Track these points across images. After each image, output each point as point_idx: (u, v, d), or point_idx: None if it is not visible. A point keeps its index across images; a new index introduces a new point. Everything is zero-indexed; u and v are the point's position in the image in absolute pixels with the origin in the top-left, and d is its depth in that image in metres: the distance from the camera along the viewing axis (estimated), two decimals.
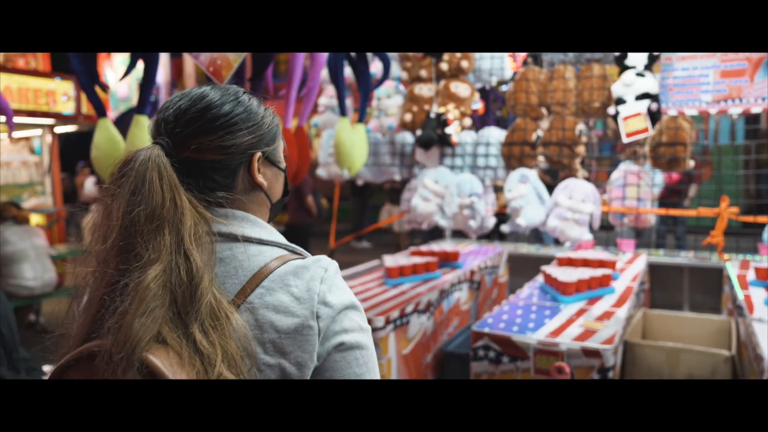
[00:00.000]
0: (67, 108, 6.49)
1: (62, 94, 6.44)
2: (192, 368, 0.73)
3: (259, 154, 0.93)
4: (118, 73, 8.91)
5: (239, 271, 0.85)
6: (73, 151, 8.41)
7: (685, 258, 4.02)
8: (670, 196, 5.53)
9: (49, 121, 6.54)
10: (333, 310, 0.84)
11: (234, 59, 1.99)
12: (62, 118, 6.51)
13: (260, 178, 0.93)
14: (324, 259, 0.89)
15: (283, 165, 0.99)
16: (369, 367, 0.87)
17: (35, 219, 6.61)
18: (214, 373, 0.74)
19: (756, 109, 3.00)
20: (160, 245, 0.78)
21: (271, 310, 0.82)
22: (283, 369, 0.81)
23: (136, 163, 0.82)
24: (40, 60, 7.06)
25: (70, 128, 7.25)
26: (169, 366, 0.72)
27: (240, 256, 0.86)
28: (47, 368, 2.31)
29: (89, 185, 9.70)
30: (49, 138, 7.01)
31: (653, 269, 3.98)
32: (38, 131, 6.99)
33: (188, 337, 0.75)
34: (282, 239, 0.93)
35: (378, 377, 0.89)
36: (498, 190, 4.13)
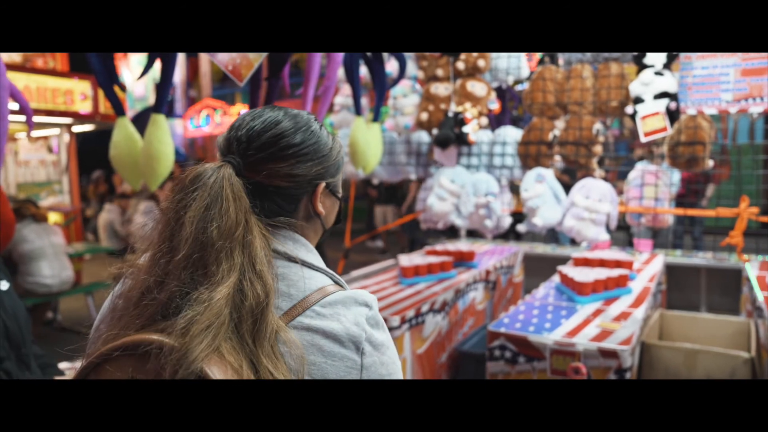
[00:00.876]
0: (85, 107, 6.56)
1: (80, 93, 6.51)
2: None
3: (323, 184, 0.95)
4: (134, 72, 9.01)
5: (291, 290, 0.87)
6: (90, 150, 8.50)
7: (702, 259, 3.98)
8: (687, 196, 5.48)
9: (67, 120, 6.62)
10: (377, 348, 0.87)
11: (254, 59, 2.00)
12: (80, 117, 6.58)
13: (320, 208, 0.96)
14: (368, 296, 0.91)
15: (340, 194, 1.02)
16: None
17: (53, 217, 6.69)
18: None
19: None
20: (232, 264, 0.80)
21: (320, 334, 0.84)
22: None
23: (210, 179, 0.84)
24: (59, 60, 7.15)
25: (88, 127, 7.33)
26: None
27: (294, 276, 0.88)
28: (64, 365, 2.33)
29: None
30: (66, 137, 7.09)
31: (670, 270, 3.94)
32: (56, 130, 7.07)
33: (248, 357, 0.77)
34: (327, 269, 0.95)
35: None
36: (514, 189, 4.10)
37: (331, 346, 0.83)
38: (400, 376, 0.92)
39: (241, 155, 0.90)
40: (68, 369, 2.35)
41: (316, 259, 0.94)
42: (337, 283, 0.93)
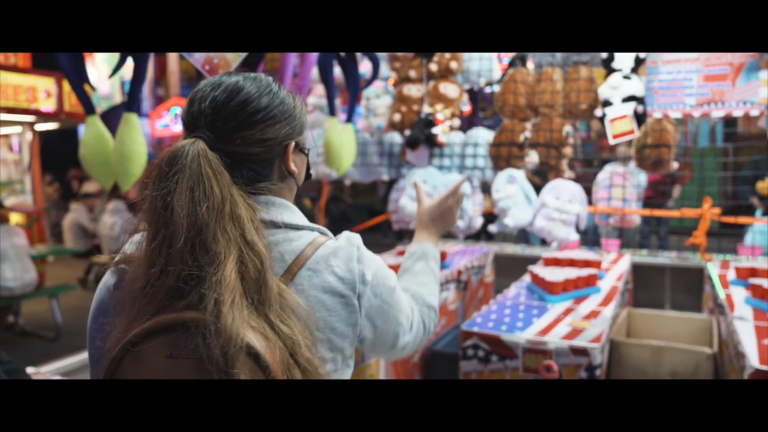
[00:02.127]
0: (48, 105, 6.39)
1: (43, 90, 6.34)
2: (279, 350, 0.78)
3: (293, 143, 0.97)
4: (100, 70, 8.81)
5: (285, 255, 0.91)
6: (54, 150, 8.28)
7: (667, 258, 4.09)
8: (654, 197, 5.62)
9: (30, 118, 6.43)
10: (370, 285, 0.95)
11: (233, 59, 1.98)
12: (43, 115, 6.40)
13: (293, 167, 0.98)
14: (353, 237, 0.96)
15: (308, 150, 1.04)
16: (399, 308, 1.04)
17: (15, 218, 6.50)
18: (303, 358, 0.80)
19: (737, 113, 3.07)
20: (228, 239, 0.82)
21: (320, 290, 0.90)
22: (332, 341, 0.91)
23: (187, 159, 0.84)
24: (20, 56, 6.94)
25: (52, 126, 7.14)
26: (262, 348, 0.76)
27: (283, 241, 0.92)
28: (31, 370, 2.27)
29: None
30: (29, 135, 6.89)
31: (636, 269, 4.04)
32: (18, 128, 6.87)
33: (268, 323, 0.80)
34: (310, 223, 0.99)
35: (400, 303, 1.05)
36: (486, 190, 4.15)
37: (331, 299, 0.90)
38: (393, 295, 1.01)
39: (209, 128, 0.90)
40: (35, 374, 2.29)
41: (298, 217, 0.97)
42: (323, 234, 0.97)
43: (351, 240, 0.95)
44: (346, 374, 0.97)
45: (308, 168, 1.07)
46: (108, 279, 0.92)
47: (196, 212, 0.81)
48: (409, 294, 1.18)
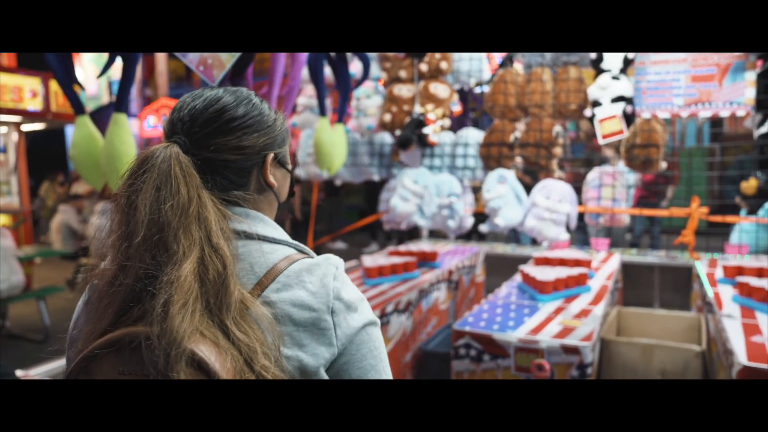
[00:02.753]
0: (35, 105, 6.32)
1: (29, 90, 6.27)
2: (230, 359, 0.76)
3: (271, 155, 0.96)
4: (87, 70, 8.74)
5: (255, 267, 0.88)
6: (40, 150, 8.19)
7: (656, 257, 4.12)
8: (648, 197, 5.66)
9: (16, 118, 6.36)
10: (346, 305, 0.88)
11: (227, 59, 1.97)
12: (29, 115, 6.33)
13: (272, 179, 0.97)
14: (333, 258, 0.92)
15: (290, 166, 1.03)
16: (381, 358, 0.92)
17: (1, 220, 6.43)
18: (258, 365, 0.77)
19: (724, 113, 3.10)
20: (191, 240, 0.80)
21: (288, 304, 0.85)
22: (301, 360, 0.84)
23: (158, 159, 0.83)
24: (5, 55, 6.86)
25: (38, 126, 7.06)
26: (211, 356, 0.74)
27: (255, 253, 0.89)
28: (20, 373, 2.25)
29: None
30: (15, 136, 6.82)
31: (625, 268, 4.07)
32: (3, 129, 6.79)
33: (223, 329, 0.78)
34: (290, 239, 0.96)
35: (387, 364, 0.94)
36: (476, 191, 4.17)
37: (301, 313, 0.85)
38: (380, 337, 0.93)
39: (186, 134, 0.90)
40: (23, 377, 2.27)
41: (276, 232, 0.95)
42: (301, 251, 0.94)
43: (330, 260, 0.91)
44: None
45: (292, 185, 1.05)
46: (86, 291, 0.92)
47: (159, 210, 0.80)
48: None
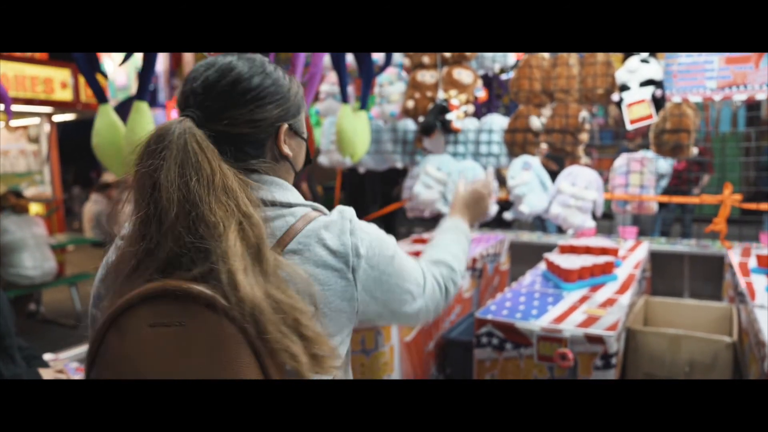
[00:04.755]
0: (65, 96, 6.44)
1: (59, 81, 6.39)
2: (281, 323, 0.78)
3: (285, 126, 0.96)
4: (115, 61, 8.86)
5: (275, 231, 0.89)
6: (71, 140, 8.36)
7: (685, 246, 4.02)
8: (679, 185, 5.51)
9: (47, 109, 6.50)
10: (365, 259, 0.93)
11: None
12: (60, 106, 6.46)
13: (286, 149, 0.97)
14: (346, 210, 0.95)
15: (305, 134, 1.02)
16: (403, 276, 1.01)
17: (34, 208, 6.59)
18: (309, 329, 0.80)
19: (760, 96, 2.98)
20: (225, 210, 0.81)
21: (311, 264, 0.88)
22: (329, 316, 0.89)
23: (173, 136, 0.83)
24: None
25: (69, 116, 7.20)
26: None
27: (274, 217, 0.90)
28: (49, 356, 2.30)
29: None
30: (47, 126, 6.96)
31: (654, 257, 3.98)
32: (36, 120, 6.94)
33: (262, 290, 0.79)
34: (305, 200, 0.97)
35: (409, 271, 1.03)
36: (501, 181, 4.10)
37: (324, 273, 0.88)
38: (394, 263, 0.99)
39: (199, 107, 0.89)
40: (53, 360, 2.32)
41: (293, 195, 0.95)
42: (315, 209, 0.96)
43: (343, 213, 0.94)
44: (345, 350, 0.97)
45: (308, 153, 1.05)
46: (107, 259, 0.92)
47: (187, 186, 0.80)
48: (425, 258, 1.19)
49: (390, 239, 1.02)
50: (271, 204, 0.91)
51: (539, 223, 5.88)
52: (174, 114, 8.74)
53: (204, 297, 0.74)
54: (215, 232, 0.78)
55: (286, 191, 0.95)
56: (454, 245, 1.28)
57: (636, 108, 3.04)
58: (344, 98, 3.17)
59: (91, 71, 2.35)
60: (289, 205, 0.93)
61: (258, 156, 0.94)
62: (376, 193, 6.53)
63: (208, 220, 0.79)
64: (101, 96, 2.40)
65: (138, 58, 2.48)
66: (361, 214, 1.01)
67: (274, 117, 0.93)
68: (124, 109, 2.52)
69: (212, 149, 0.85)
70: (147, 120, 2.34)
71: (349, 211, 0.95)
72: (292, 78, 1.00)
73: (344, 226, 0.92)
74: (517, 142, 3.47)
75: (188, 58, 10.74)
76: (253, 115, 0.91)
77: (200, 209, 0.79)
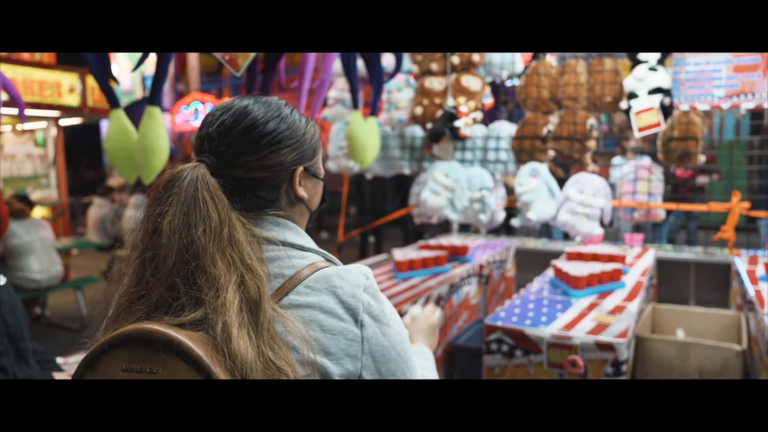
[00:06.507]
0: (72, 100, 6.47)
1: (67, 86, 6.42)
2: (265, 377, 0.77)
3: (301, 169, 0.94)
4: (121, 65, 8.90)
5: (284, 271, 0.87)
6: (77, 144, 8.39)
7: (691, 253, 4.02)
8: (684, 192, 5.51)
9: (55, 113, 6.52)
10: (378, 322, 0.88)
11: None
12: (67, 110, 6.49)
13: (302, 192, 0.95)
14: (363, 267, 0.91)
15: (322, 175, 1.01)
16: (409, 368, 0.92)
17: (40, 212, 6.60)
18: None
19: None
20: (228, 263, 0.80)
21: (316, 309, 0.85)
22: (326, 368, 0.83)
23: (184, 182, 0.83)
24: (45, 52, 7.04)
25: (75, 121, 7.23)
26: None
27: (284, 257, 0.89)
28: (60, 360, 2.30)
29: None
30: (53, 130, 6.99)
31: (660, 264, 3.98)
32: (43, 124, 6.97)
33: (254, 348, 0.78)
34: (318, 248, 0.95)
35: (414, 370, 0.94)
36: (509, 191, 4.11)
37: (329, 320, 0.84)
38: (405, 346, 0.92)
39: (213, 152, 0.88)
40: (64, 364, 2.33)
41: (306, 241, 0.94)
42: (328, 260, 0.93)
43: (361, 269, 0.90)
44: None
45: (324, 193, 1.03)
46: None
47: (190, 235, 0.80)
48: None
49: (405, 330, 0.96)
50: (283, 245, 0.90)
51: (545, 229, 5.89)
52: (178, 119, 8.74)
53: (178, 344, 0.71)
54: (215, 284, 0.78)
55: (298, 235, 0.94)
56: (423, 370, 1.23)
57: (644, 116, 3.05)
58: (355, 104, 3.19)
59: (104, 76, 2.36)
60: (301, 249, 0.91)
61: (273, 200, 0.93)
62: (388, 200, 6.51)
63: (209, 272, 0.79)
64: (114, 101, 2.42)
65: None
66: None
67: (289, 161, 0.92)
68: (129, 113, 2.54)
69: (223, 199, 0.84)
70: (159, 125, 2.35)
71: (368, 270, 0.91)
72: (309, 119, 0.98)
73: (359, 280, 0.88)
74: (525, 149, 3.48)
75: (193, 63, 10.75)
76: (268, 160, 0.89)
77: (202, 260, 0.79)
